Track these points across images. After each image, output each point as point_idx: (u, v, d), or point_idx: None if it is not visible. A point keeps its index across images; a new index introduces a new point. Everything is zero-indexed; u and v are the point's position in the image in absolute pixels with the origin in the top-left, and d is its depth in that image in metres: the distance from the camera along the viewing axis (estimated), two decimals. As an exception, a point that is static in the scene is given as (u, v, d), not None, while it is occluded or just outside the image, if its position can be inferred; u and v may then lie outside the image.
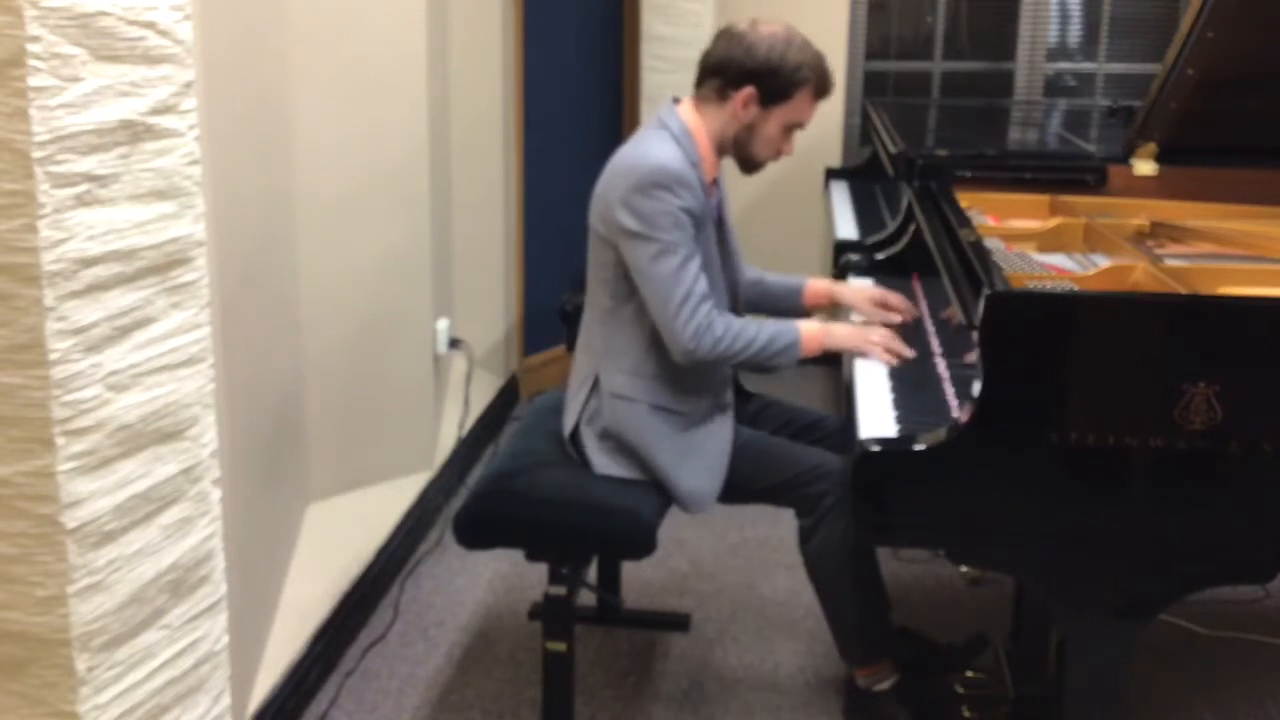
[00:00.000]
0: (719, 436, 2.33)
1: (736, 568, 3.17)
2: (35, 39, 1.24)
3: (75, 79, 1.30)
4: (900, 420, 2.04)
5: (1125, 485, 1.79)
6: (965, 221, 2.36)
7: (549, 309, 3.81)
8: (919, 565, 3.11)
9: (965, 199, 2.62)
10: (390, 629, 2.84)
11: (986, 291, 1.80)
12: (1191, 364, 1.74)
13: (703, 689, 2.63)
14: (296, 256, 2.89)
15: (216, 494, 1.61)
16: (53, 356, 1.30)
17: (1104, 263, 2.33)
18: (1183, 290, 2.05)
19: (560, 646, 2.24)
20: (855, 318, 2.50)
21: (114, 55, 1.35)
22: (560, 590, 2.24)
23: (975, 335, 1.82)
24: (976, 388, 1.79)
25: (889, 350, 2.29)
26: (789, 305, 2.57)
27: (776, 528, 3.26)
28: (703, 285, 2.19)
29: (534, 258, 4.26)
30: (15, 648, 1.38)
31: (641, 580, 3.05)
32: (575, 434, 2.36)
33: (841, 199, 4.08)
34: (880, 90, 4.93)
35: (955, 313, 2.11)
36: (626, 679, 2.67)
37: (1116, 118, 3.72)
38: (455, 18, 3.58)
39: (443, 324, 3.47)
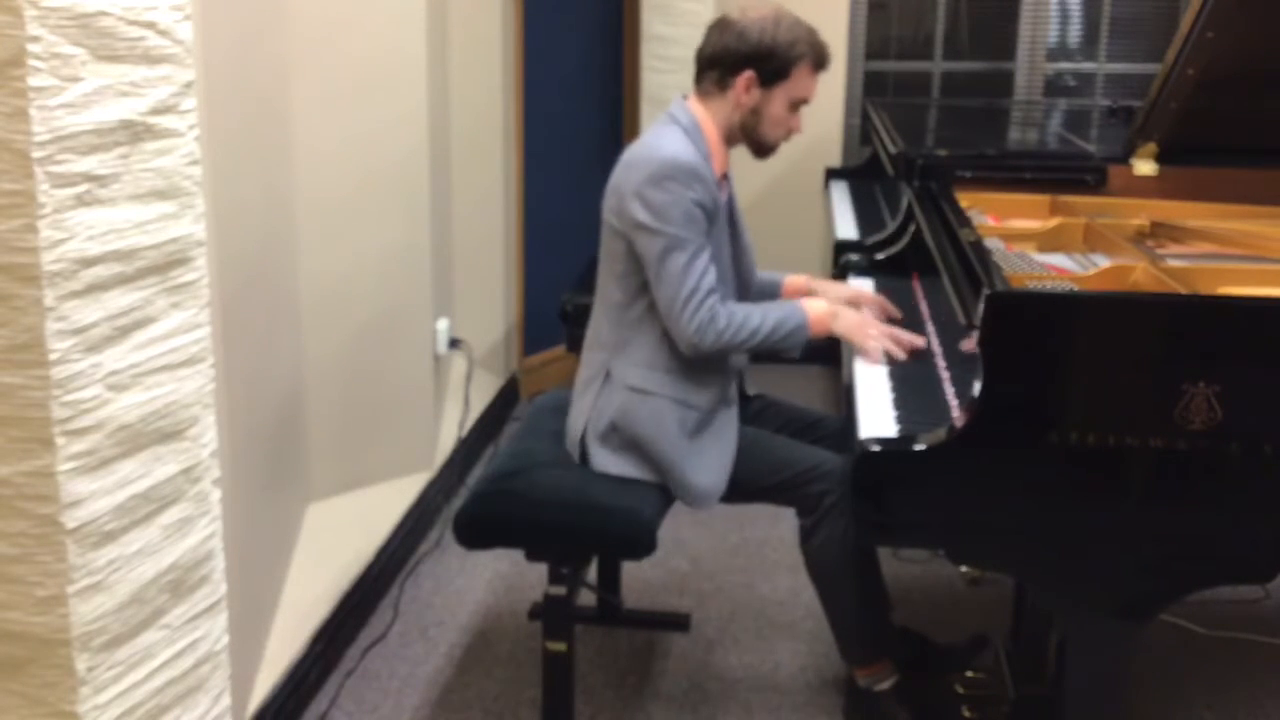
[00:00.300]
0: (727, 431, 2.34)
1: (736, 568, 3.17)
2: (35, 39, 1.24)
3: (75, 79, 1.30)
4: (900, 420, 2.04)
5: (1125, 485, 1.79)
6: (965, 221, 2.36)
7: (549, 309, 3.82)
8: (919, 565, 3.11)
9: (965, 199, 2.62)
10: (390, 629, 2.84)
11: (986, 291, 1.80)
12: (1191, 364, 1.74)
13: (703, 689, 2.63)
14: (297, 256, 2.89)
15: (216, 494, 1.61)
16: (53, 356, 1.30)
17: (1104, 263, 2.33)
18: (1183, 290, 2.05)
19: (560, 646, 2.24)
20: (866, 311, 2.50)
21: (114, 55, 1.35)
22: (560, 590, 2.24)
23: (975, 335, 1.82)
24: (976, 388, 1.79)
25: (886, 349, 2.29)
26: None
27: (776, 528, 3.27)
28: (710, 279, 2.21)
29: (534, 258, 4.27)
30: (15, 648, 1.38)
31: (641, 580, 3.05)
32: (583, 432, 2.36)
33: (841, 199, 4.08)
34: (880, 90, 4.93)
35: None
36: (626, 679, 2.67)
37: (1116, 118, 3.72)
38: (455, 18, 3.58)
39: (443, 324, 3.47)
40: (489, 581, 3.08)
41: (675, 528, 3.29)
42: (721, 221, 2.30)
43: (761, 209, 4.69)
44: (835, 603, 2.34)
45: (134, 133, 1.39)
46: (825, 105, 4.72)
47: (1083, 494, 1.80)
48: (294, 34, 2.80)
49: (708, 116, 2.30)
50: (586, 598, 2.68)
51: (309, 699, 2.54)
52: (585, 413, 2.36)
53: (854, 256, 2.97)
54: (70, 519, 1.34)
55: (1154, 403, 1.75)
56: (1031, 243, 2.54)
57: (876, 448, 1.86)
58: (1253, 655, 2.76)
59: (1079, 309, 1.82)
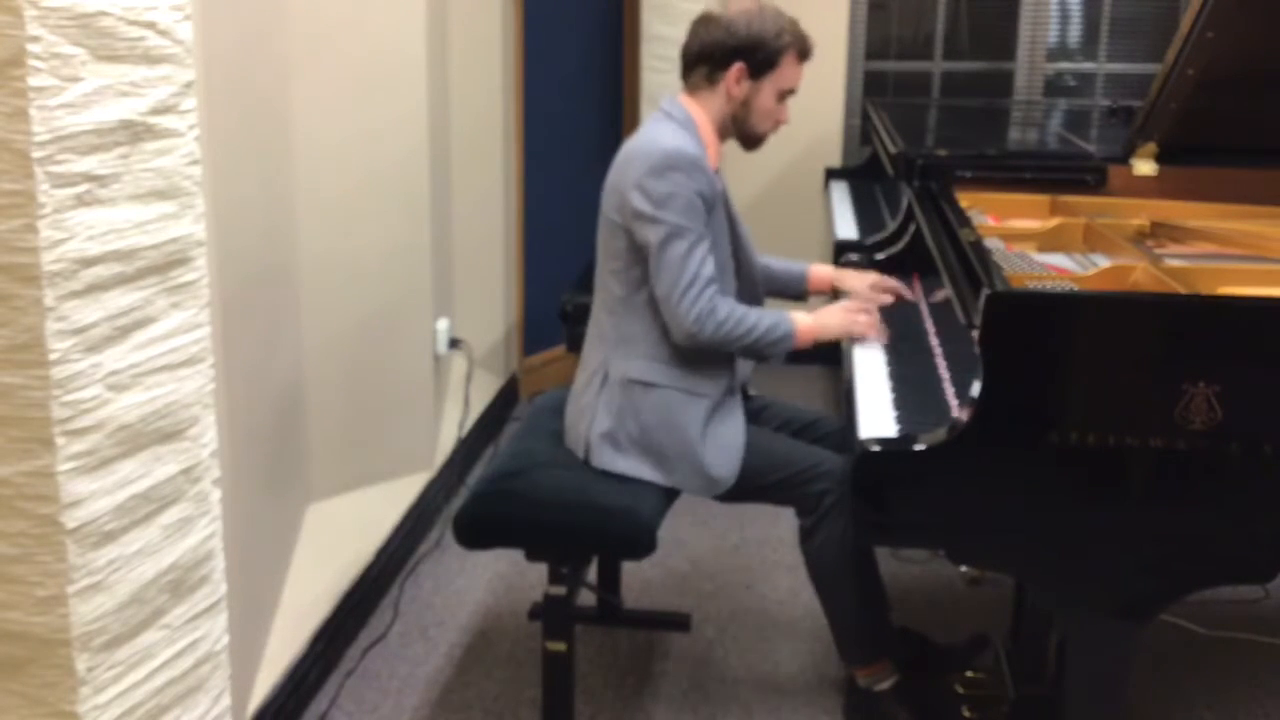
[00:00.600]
0: (734, 418, 2.35)
1: (736, 568, 3.17)
2: (35, 39, 1.24)
3: (75, 79, 1.30)
4: (900, 420, 2.04)
5: (1125, 485, 1.79)
6: (965, 221, 2.36)
7: (549, 309, 3.82)
8: (919, 565, 3.11)
9: (965, 199, 2.62)
10: (390, 629, 2.84)
11: (986, 291, 1.80)
12: (1191, 364, 1.74)
13: (703, 689, 2.63)
14: (297, 257, 2.89)
15: (216, 494, 1.61)
16: (53, 356, 1.30)
17: (1104, 263, 2.33)
18: (1183, 290, 2.05)
19: (560, 646, 2.24)
20: (852, 277, 2.60)
21: (114, 55, 1.35)
22: (560, 590, 2.24)
23: (975, 335, 1.82)
24: (976, 388, 1.79)
25: (875, 327, 2.38)
26: (793, 291, 2.64)
27: (776, 528, 3.27)
28: (709, 269, 2.23)
29: (534, 258, 4.27)
30: (15, 648, 1.38)
31: (641, 580, 3.05)
32: (587, 429, 2.36)
33: (841, 199, 4.08)
34: (880, 90, 4.93)
35: (944, 292, 2.13)
36: (626, 679, 2.67)
37: (1116, 118, 3.72)
38: (455, 18, 3.58)
39: (443, 324, 3.47)
40: (489, 581, 3.08)
41: (675, 528, 3.29)
42: (720, 212, 2.31)
43: (761, 209, 4.69)
44: (835, 603, 2.34)
45: (134, 133, 1.39)
46: (825, 105, 4.74)
47: (1083, 494, 1.80)
48: (294, 34, 2.80)
49: (700, 111, 2.33)
50: (586, 598, 2.68)
51: (309, 699, 2.54)
52: (587, 410, 2.36)
53: (854, 256, 2.97)
54: (70, 519, 1.34)
55: (1154, 403, 1.75)
56: (1031, 243, 2.54)
57: (876, 448, 1.86)
58: (1253, 655, 2.76)
59: (1079, 309, 1.82)
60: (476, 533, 2.29)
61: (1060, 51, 4.86)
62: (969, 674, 2.44)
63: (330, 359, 3.05)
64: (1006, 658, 2.51)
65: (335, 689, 2.59)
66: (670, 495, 2.34)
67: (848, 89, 4.83)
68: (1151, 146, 2.77)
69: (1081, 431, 1.76)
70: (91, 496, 1.37)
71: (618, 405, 2.32)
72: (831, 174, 4.50)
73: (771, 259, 2.62)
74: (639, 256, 2.26)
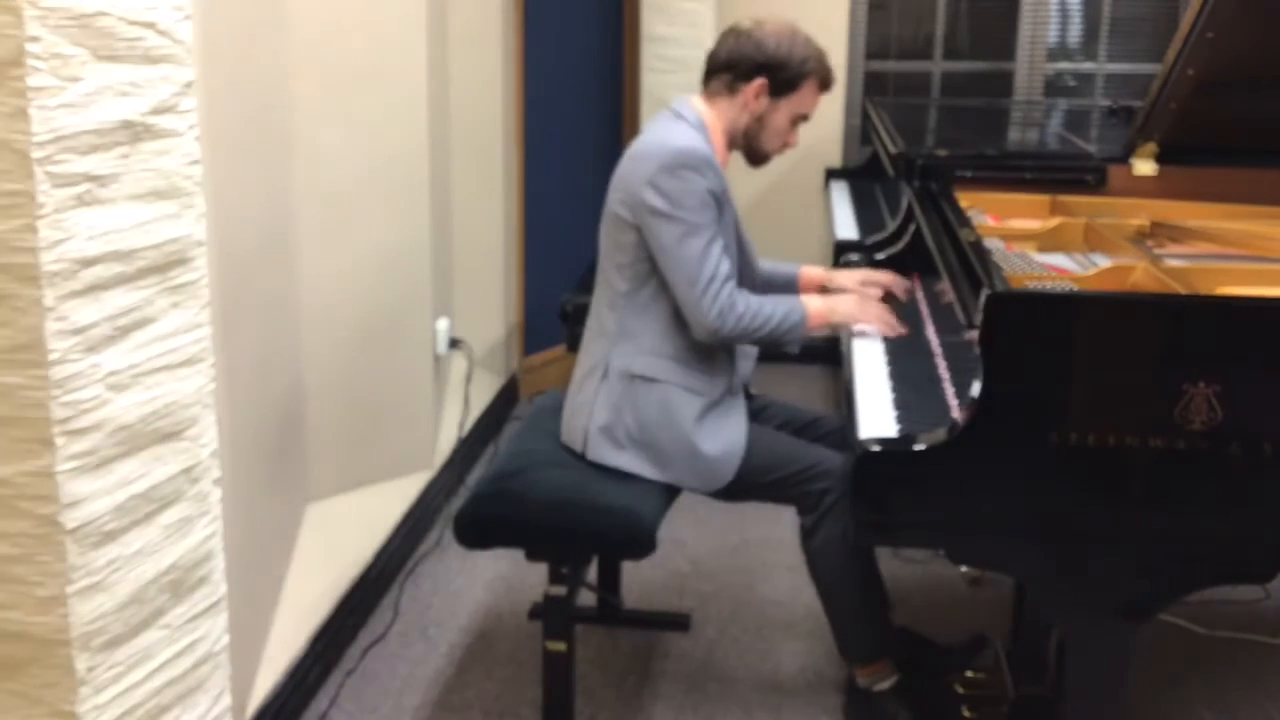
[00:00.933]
0: (735, 416, 2.35)
1: (736, 568, 3.17)
2: (35, 39, 1.24)
3: (75, 79, 1.30)
4: (900, 420, 2.04)
5: (1125, 485, 1.79)
6: (965, 221, 2.36)
7: (549, 309, 3.83)
8: (919, 565, 3.11)
9: (965, 199, 2.62)
10: (390, 629, 2.84)
11: (986, 291, 1.80)
12: (1191, 364, 1.74)
13: (703, 689, 2.63)
14: (296, 256, 2.89)
15: (216, 494, 1.61)
16: (53, 356, 1.30)
17: (1104, 263, 2.33)
18: (1183, 290, 2.05)
19: (560, 646, 2.24)
20: (849, 276, 2.61)
21: (114, 55, 1.35)
22: (560, 590, 2.24)
23: (975, 334, 1.82)
24: (976, 388, 1.79)
25: (885, 323, 2.40)
26: (785, 293, 2.60)
27: (776, 528, 3.27)
28: (726, 265, 2.26)
29: (534, 258, 4.27)
30: (15, 648, 1.38)
31: (641, 580, 3.05)
32: (585, 423, 2.37)
33: (841, 199, 4.08)
34: (880, 90, 4.93)
35: (946, 290, 2.14)
36: (626, 679, 2.67)
37: (1116, 118, 3.72)
38: (455, 18, 3.58)
39: (443, 324, 3.47)
40: (489, 581, 3.08)
41: (675, 528, 3.29)
42: (729, 211, 2.32)
43: (761, 209, 4.69)
44: (835, 602, 2.35)
45: (134, 133, 1.39)
46: (825, 105, 4.70)
47: (1082, 494, 1.80)
48: (294, 34, 2.81)
49: (714, 117, 2.35)
50: (586, 598, 2.68)
51: (309, 699, 2.54)
52: (586, 403, 2.37)
53: (854, 256, 2.97)
54: (70, 519, 1.34)
55: (1154, 403, 1.75)
56: (1031, 243, 2.54)
57: (876, 448, 1.86)
58: (1253, 655, 2.76)
59: (1079, 309, 1.82)
60: (476, 533, 2.29)
61: (1060, 51, 4.86)
62: (969, 674, 2.44)
63: (330, 359, 3.05)
64: (1006, 658, 2.51)
65: (335, 689, 2.59)
66: (670, 494, 2.34)
67: (848, 89, 4.83)
68: (1151, 146, 2.77)
69: (1081, 431, 1.76)
70: (91, 496, 1.37)
71: (617, 400, 2.32)
72: (831, 174, 4.51)
73: (763, 261, 2.62)
74: (645, 252, 2.27)
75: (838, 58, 4.69)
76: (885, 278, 2.60)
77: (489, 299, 4.02)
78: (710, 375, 2.33)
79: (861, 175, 4.36)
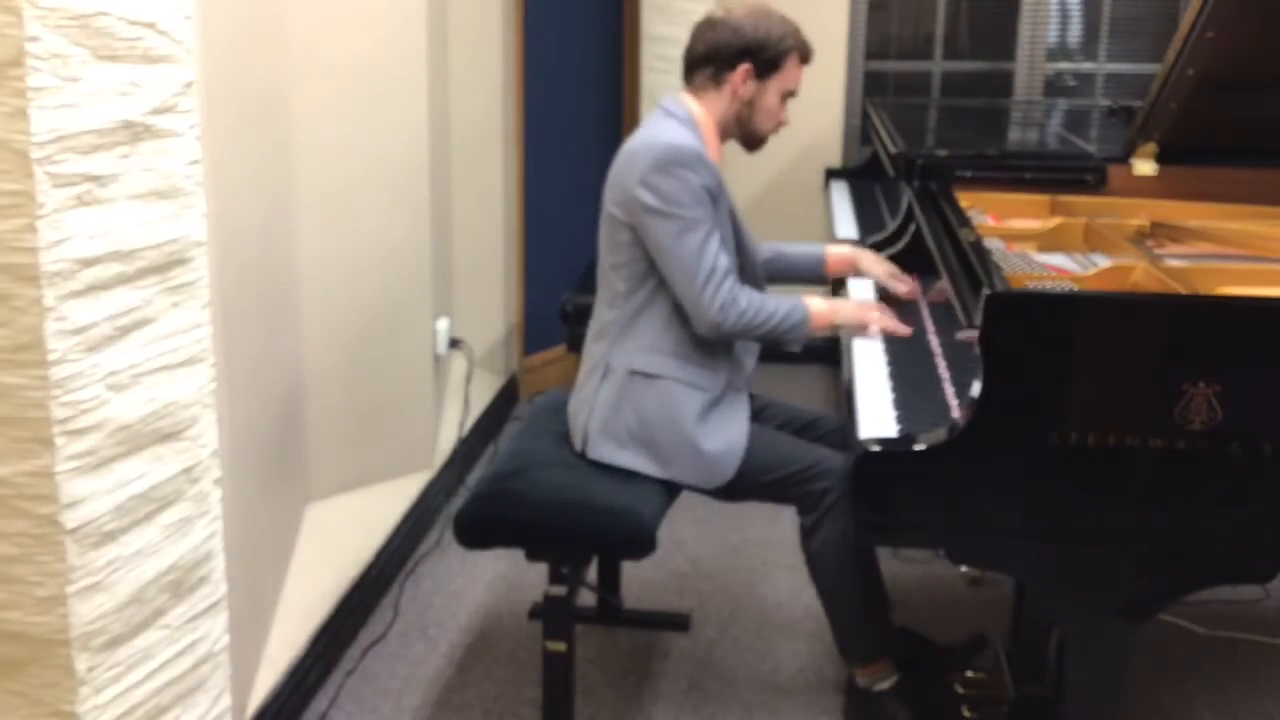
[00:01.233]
0: (737, 413, 2.36)
1: (736, 568, 3.17)
2: (35, 39, 1.24)
3: (75, 79, 1.30)
4: (900, 420, 2.04)
5: (1125, 485, 1.79)
6: (965, 221, 2.36)
7: (549, 309, 3.83)
8: (919, 565, 3.11)
9: (965, 199, 2.62)
10: (390, 629, 2.84)
11: (986, 291, 1.80)
12: (1191, 364, 1.74)
13: (703, 689, 2.63)
14: (296, 256, 2.89)
15: (216, 494, 1.62)
16: (52, 356, 1.30)
17: (1104, 263, 2.33)
18: (1183, 290, 2.05)
19: (560, 646, 2.24)
20: (854, 293, 2.62)
21: (114, 55, 1.35)
22: (560, 590, 2.24)
23: (975, 334, 1.82)
24: (976, 388, 1.79)
25: (888, 327, 2.39)
26: (811, 275, 2.67)
27: (776, 528, 3.27)
28: (725, 260, 2.26)
29: (534, 258, 4.27)
30: (15, 648, 1.38)
31: (641, 580, 3.05)
32: (586, 421, 2.37)
33: (841, 199, 4.08)
34: (880, 90, 4.93)
35: (944, 290, 2.14)
36: (626, 679, 2.67)
37: (1116, 118, 3.72)
38: (455, 18, 3.58)
39: (443, 324, 3.47)
40: (489, 581, 3.08)
41: (675, 528, 3.29)
42: (724, 205, 2.32)
43: (761, 209, 4.69)
44: (836, 602, 2.35)
45: (134, 133, 1.39)
46: (825, 105, 4.74)
47: (1082, 494, 1.80)
48: (294, 34, 2.81)
49: (703, 111, 2.36)
50: (586, 598, 2.68)
51: (309, 699, 2.54)
52: (588, 401, 2.37)
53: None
54: (70, 519, 1.34)
55: (1154, 403, 1.75)
56: (1031, 243, 2.54)
57: (876, 448, 1.86)
58: (1253, 655, 2.76)
59: (1079, 309, 1.81)
60: (476, 533, 2.29)
61: (1060, 51, 4.86)
62: (969, 674, 2.44)
63: (330, 359, 3.05)
64: (1006, 658, 2.51)
65: (335, 689, 2.59)
66: (671, 494, 2.34)
67: (848, 89, 4.83)
68: (1151, 146, 2.77)
69: (1081, 431, 1.76)
70: (91, 496, 1.37)
71: (617, 397, 2.33)
72: (831, 174, 4.50)
73: (787, 246, 2.64)
74: (641, 251, 2.28)
75: (838, 58, 4.70)
76: (910, 284, 2.59)
77: (489, 299, 4.02)
78: (711, 371, 2.34)
79: (861, 175, 4.35)
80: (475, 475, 3.58)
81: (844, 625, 2.36)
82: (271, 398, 2.65)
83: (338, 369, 3.08)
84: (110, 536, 1.41)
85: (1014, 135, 4.06)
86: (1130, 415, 1.76)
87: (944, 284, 2.18)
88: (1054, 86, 4.86)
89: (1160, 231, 2.59)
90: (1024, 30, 4.78)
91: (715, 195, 2.26)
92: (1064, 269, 2.35)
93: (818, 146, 4.68)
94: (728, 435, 2.32)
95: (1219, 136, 2.70)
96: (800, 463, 2.30)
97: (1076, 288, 2.16)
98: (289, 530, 2.83)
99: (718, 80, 2.34)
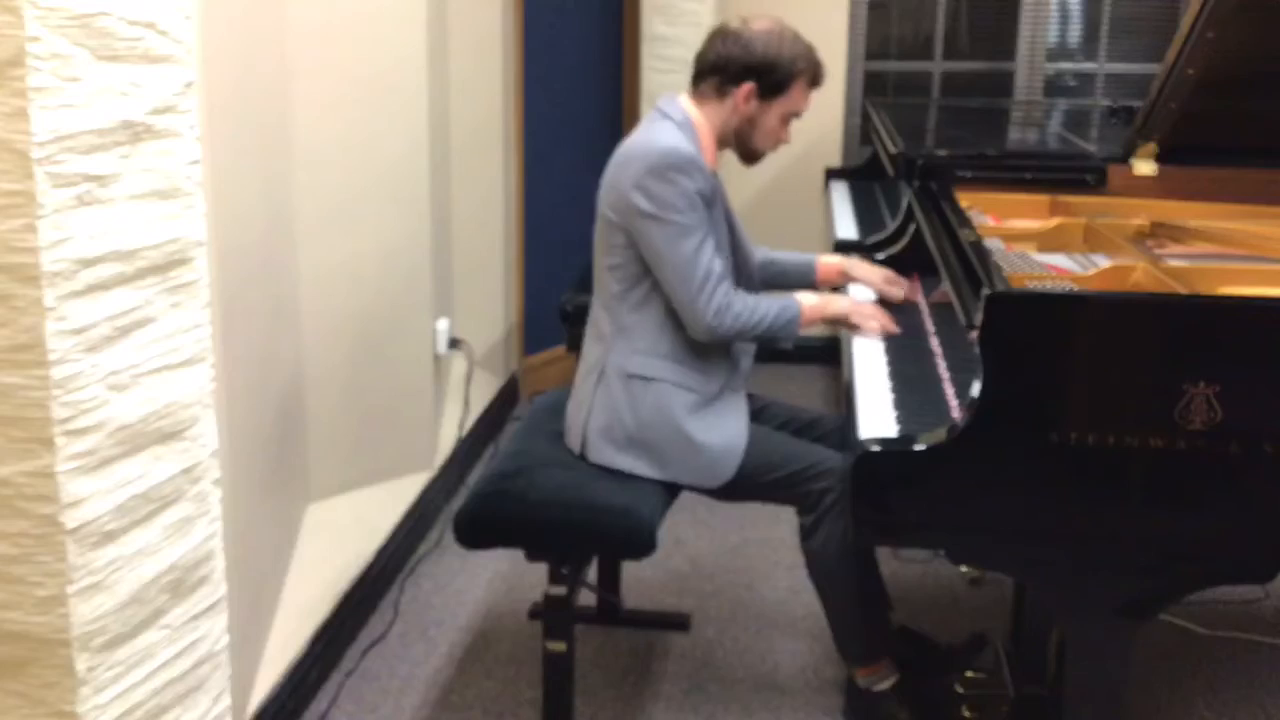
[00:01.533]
0: (736, 413, 2.36)
1: (736, 568, 3.17)
2: (35, 39, 1.24)
3: (75, 79, 1.30)
4: (900, 420, 2.04)
5: (1125, 485, 1.79)
6: (965, 221, 2.36)
7: (549, 309, 3.82)
8: (919, 565, 3.11)
9: (965, 199, 2.62)
10: (390, 629, 2.84)
11: (986, 291, 1.80)
12: (1191, 364, 1.74)
13: (703, 689, 2.63)
14: (297, 256, 2.89)
15: (216, 494, 1.62)
16: (53, 356, 1.30)
17: (1104, 263, 2.33)
18: (1183, 290, 2.05)
19: (560, 646, 2.24)
20: (854, 293, 2.62)
21: (114, 55, 1.35)
22: (560, 590, 2.24)
23: (975, 335, 1.82)
24: (976, 388, 1.79)
25: (881, 325, 2.40)
26: (802, 283, 2.66)
27: (776, 528, 3.27)
28: (719, 264, 2.26)
29: (534, 258, 4.27)
30: (15, 648, 1.38)
31: (641, 580, 3.05)
32: (584, 423, 2.37)
33: (841, 199, 4.08)
34: (880, 90, 4.93)
35: (945, 293, 2.15)
36: (626, 679, 2.67)
37: (1116, 118, 3.72)
38: (455, 18, 3.58)
39: (443, 324, 3.47)
40: (489, 581, 3.08)
41: (675, 528, 3.29)
42: (719, 209, 2.33)
43: (761, 209, 4.69)
44: (835, 602, 2.35)
45: (134, 133, 1.39)
46: (825, 105, 4.73)
47: (1082, 494, 1.80)
48: (294, 34, 2.81)
49: (702, 118, 2.34)
50: (586, 598, 2.68)
51: (309, 699, 2.54)
52: (585, 403, 2.37)
53: (854, 256, 2.96)
54: (70, 519, 1.34)
55: (1154, 403, 1.75)
56: (1031, 243, 2.54)
57: (876, 448, 1.86)
58: (1253, 655, 2.76)
59: (1079, 309, 1.82)
60: (476, 533, 2.29)
61: (1060, 51, 4.86)
62: (969, 674, 2.44)
63: (330, 359, 3.05)
64: (1006, 658, 2.51)
65: (335, 689, 2.59)
66: (671, 494, 2.34)
67: (848, 89, 4.83)
68: (1151, 146, 2.77)
69: (1081, 431, 1.76)
70: (91, 496, 1.37)
71: (614, 400, 2.33)
72: (831, 174, 4.50)
73: (779, 253, 2.64)
74: (635, 254, 2.27)
75: (838, 58, 4.70)
76: (902, 284, 2.60)
77: (489, 299, 4.02)
78: (706, 373, 2.34)
79: (861, 175, 4.36)
80: (475, 475, 3.57)
81: (843, 625, 2.36)
82: (271, 398, 2.65)
83: (338, 369, 3.08)
84: (110, 536, 1.41)
85: (1014, 135, 4.06)
86: (1130, 415, 1.76)
87: (946, 288, 2.18)
88: (1054, 86, 4.86)
89: (1160, 231, 2.59)
90: (1024, 30, 4.78)
91: (710, 200, 2.26)
92: (1064, 269, 2.35)
93: (818, 146, 4.69)
94: (726, 434, 2.32)
95: (1219, 136, 2.70)
96: (800, 463, 2.30)
97: (1076, 288, 2.16)
98: (289, 530, 2.83)
99: (721, 93, 2.32)
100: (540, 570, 2.28)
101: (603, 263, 2.35)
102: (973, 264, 2.02)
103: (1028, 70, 4.81)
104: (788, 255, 2.64)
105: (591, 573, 2.74)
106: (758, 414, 2.50)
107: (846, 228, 3.61)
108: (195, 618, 1.59)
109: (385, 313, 3.19)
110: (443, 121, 3.46)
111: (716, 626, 2.89)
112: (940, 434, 1.83)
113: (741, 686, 2.64)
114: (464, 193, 3.77)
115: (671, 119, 2.30)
